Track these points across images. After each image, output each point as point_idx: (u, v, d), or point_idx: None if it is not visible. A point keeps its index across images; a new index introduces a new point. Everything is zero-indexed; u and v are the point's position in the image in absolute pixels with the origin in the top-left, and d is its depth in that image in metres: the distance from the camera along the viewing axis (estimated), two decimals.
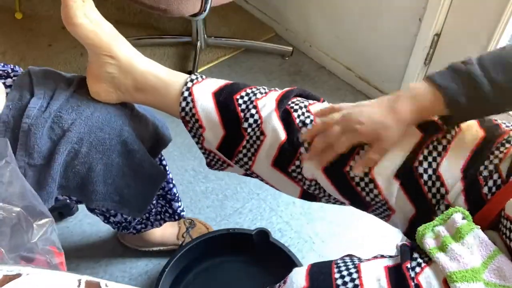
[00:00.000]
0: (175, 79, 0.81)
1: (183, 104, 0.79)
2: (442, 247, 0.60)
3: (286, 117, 0.76)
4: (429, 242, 0.62)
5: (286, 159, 0.76)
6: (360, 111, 0.71)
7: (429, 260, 0.61)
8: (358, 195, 0.74)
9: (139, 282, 1.24)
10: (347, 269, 0.63)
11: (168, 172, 1.00)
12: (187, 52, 1.89)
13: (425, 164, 0.69)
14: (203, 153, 0.86)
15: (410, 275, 0.59)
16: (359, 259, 0.66)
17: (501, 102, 0.66)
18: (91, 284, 0.47)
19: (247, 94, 0.79)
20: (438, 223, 0.63)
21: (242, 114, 0.77)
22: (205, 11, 1.47)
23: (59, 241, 0.59)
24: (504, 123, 0.72)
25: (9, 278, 0.43)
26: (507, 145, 0.68)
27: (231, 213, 1.39)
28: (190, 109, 0.79)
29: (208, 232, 1.24)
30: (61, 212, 1.34)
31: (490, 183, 0.66)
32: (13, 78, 0.81)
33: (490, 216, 0.64)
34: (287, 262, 1.13)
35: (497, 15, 1.24)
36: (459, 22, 1.35)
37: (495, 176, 0.66)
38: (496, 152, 0.68)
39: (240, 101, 0.78)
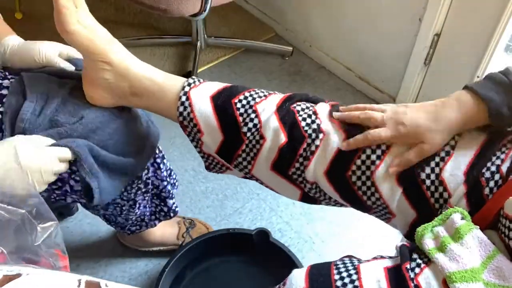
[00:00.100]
0: (171, 82, 0.80)
1: (181, 109, 0.78)
2: (441, 248, 0.60)
3: (289, 118, 0.76)
4: (428, 243, 0.62)
5: (286, 161, 0.76)
6: (404, 112, 0.71)
7: (428, 260, 0.61)
8: (359, 199, 0.74)
9: (139, 282, 1.24)
10: (347, 270, 0.63)
11: (162, 170, 1.00)
12: (187, 52, 1.89)
13: (428, 170, 0.69)
14: (202, 157, 0.86)
15: (410, 276, 0.59)
16: (359, 260, 0.66)
17: None
18: (91, 284, 0.47)
19: (246, 98, 0.78)
20: (437, 223, 0.63)
21: (240, 119, 0.77)
22: (205, 11, 1.46)
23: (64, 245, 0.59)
24: None
25: (9, 278, 0.43)
26: (509, 146, 0.68)
27: (231, 213, 1.39)
28: (188, 114, 0.78)
29: (208, 232, 1.24)
30: (61, 212, 1.34)
31: (492, 184, 0.66)
32: (10, 80, 0.81)
33: (489, 216, 0.64)
34: (287, 262, 1.13)
35: (497, 15, 1.24)
36: (459, 22, 1.35)
37: (497, 177, 0.66)
38: (498, 153, 0.68)
39: (239, 105, 0.77)
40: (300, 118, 0.75)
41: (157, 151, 0.97)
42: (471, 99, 0.68)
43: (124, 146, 0.84)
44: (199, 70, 1.80)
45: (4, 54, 0.84)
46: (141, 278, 1.25)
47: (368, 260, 0.66)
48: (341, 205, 0.81)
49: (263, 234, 1.16)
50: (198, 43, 1.82)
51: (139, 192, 0.97)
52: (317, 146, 0.74)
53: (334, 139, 0.73)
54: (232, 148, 0.78)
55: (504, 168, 0.66)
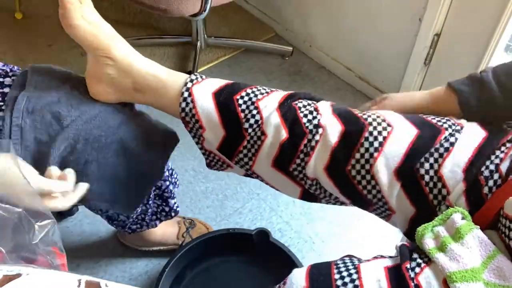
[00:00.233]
0: (174, 79, 0.81)
1: (183, 104, 0.79)
2: (442, 247, 0.60)
3: (290, 114, 0.76)
4: (429, 243, 0.62)
5: (287, 158, 0.76)
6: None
7: (428, 260, 0.61)
8: (359, 193, 0.74)
9: (139, 282, 1.24)
10: (347, 269, 0.63)
11: (164, 170, 1.00)
12: (187, 52, 1.89)
13: (427, 165, 0.69)
14: (203, 154, 0.86)
15: (410, 275, 0.59)
16: (359, 260, 0.66)
17: None
18: (91, 284, 0.47)
19: (248, 94, 0.79)
20: (437, 223, 0.63)
21: (242, 115, 0.77)
22: (205, 11, 1.47)
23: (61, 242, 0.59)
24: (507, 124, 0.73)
25: (9, 278, 0.43)
26: (508, 145, 0.68)
27: (231, 213, 1.39)
28: (190, 109, 0.79)
29: (208, 232, 1.24)
30: (61, 212, 1.34)
31: (491, 183, 0.66)
32: (12, 77, 0.81)
33: (489, 216, 0.64)
34: (287, 262, 1.13)
35: (497, 15, 1.24)
36: (459, 22, 1.35)
37: (496, 176, 0.66)
38: (497, 152, 0.68)
39: (240, 101, 0.78)
40: (301, 115, 0.76)
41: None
42: (443, 89, 0.79)
43: (132, 140, 0.84)
44: (199, 70, 1.80)
45: None
46: (141, 278, 1.25)
47: (368, 260, 0.66)
48: (341, 203, 0.81)
49: (263, 234, 1.16)
50: (198, 43, 1.82)
51: None
52: (317, 141, 0.74)
53: (333, 132, 0.73)
54: (234, 144, 0.78)
55: (503, 167, 0.66)
